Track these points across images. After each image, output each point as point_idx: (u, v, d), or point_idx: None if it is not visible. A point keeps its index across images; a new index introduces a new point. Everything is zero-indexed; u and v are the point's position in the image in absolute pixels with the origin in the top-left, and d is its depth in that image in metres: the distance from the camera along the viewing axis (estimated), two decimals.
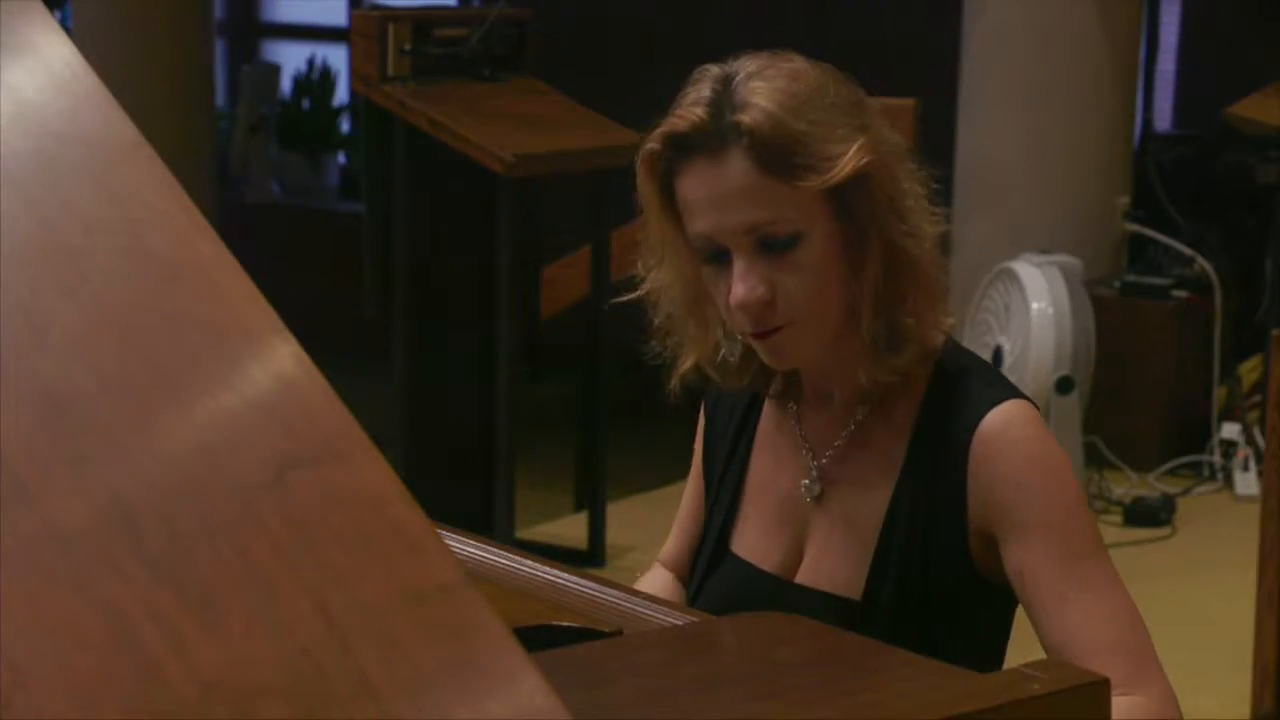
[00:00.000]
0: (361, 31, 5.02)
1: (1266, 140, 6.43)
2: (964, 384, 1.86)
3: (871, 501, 1.88)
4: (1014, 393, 1.85)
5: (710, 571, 1.98)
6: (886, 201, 1.82)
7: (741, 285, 1.80)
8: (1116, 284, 6.28)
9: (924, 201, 1.86)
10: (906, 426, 1.87)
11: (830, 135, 1.79)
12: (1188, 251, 6.35)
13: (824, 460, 1.92)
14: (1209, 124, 6.99)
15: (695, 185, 1.81)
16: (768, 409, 1.99)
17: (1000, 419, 1.82)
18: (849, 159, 1.78)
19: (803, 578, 1.92)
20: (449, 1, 8.80)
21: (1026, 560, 1.78)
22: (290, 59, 9.78)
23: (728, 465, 2.00)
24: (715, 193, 1.80)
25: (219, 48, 9.05)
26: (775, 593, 1.91)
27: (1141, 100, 7.16)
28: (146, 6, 7.47)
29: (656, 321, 1.93)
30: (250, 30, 10.39)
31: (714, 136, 1.79)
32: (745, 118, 1.78)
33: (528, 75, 5.29)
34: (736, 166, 1.79)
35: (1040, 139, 6.17)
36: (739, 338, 1.91)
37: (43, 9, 1.17)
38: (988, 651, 1.90)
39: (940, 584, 1.85)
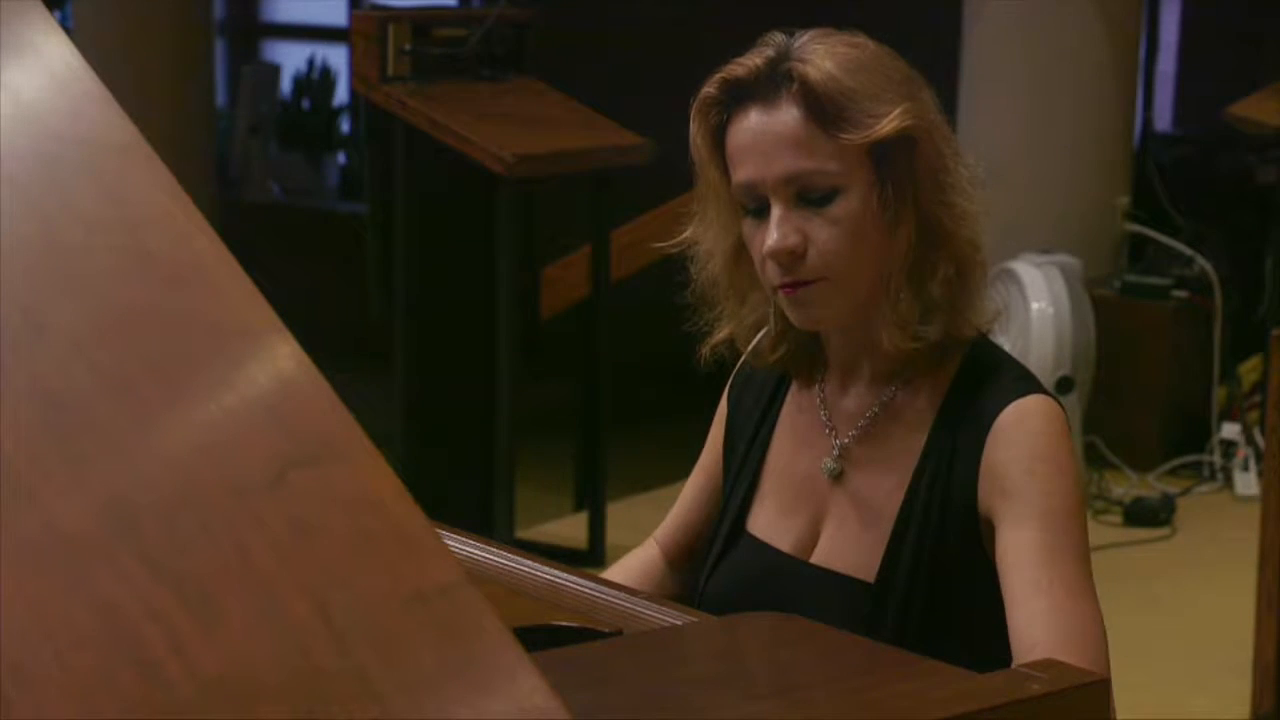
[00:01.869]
0: (361, 32, 5.02)
1: (1266, 140, 6.43)
2: (993, 376, 1.88)
3: (890, 484, 1.89)
4: (1040, 389, 1.87)
5: (726, 552, 2.00)
6: (927, 171, 1.87)
7: (776, 232, 1.85)
8: (1116, 284, 6.28)
9: (964, 183, 1.92)
10: (931, 411, 1.89)
11: (879, 96, 1.85)
12: (1188, 251, 6.35)
13: (846, 440, 1.94)
14: (1209, 124, 6.99)
15: (744, 132, 1.87)
16: (792, 393, 2.01)
17: (1023, 409, 1.84)
18: (893, 118, 1.83)
19: (818, 558, 1.93)
20: (449, 1, 8.80)
21: (1013, 544, 1.79)
22: (290, 59, 9.78)
23: (749, 448, 2.02)
24: (762, 139, 1.86)
25: (219, 48, 9.05)
26: (790, 573, 1.92)
27: (1141, 100, 7.16)
28: (146, 6, 7.47)
29: (696, 281, 1.97)
30: (250, 30, 10.39)
31: (768, 83, 1.85)
32: (799, 66, 1.85)
33: (528, 75, 5.29)
34: (786, 114, 1.85)
35: (1040, 139, 6.17)
36: (773, 316, 1.94)
37: (43, 9, 1.17)
38: (1000, 638, 1.90)
39: (952, 569, 1.85)
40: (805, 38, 1.89)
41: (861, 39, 1.90)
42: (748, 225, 1.89)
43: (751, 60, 1.87)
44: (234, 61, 10.03)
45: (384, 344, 5.14)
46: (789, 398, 2.02)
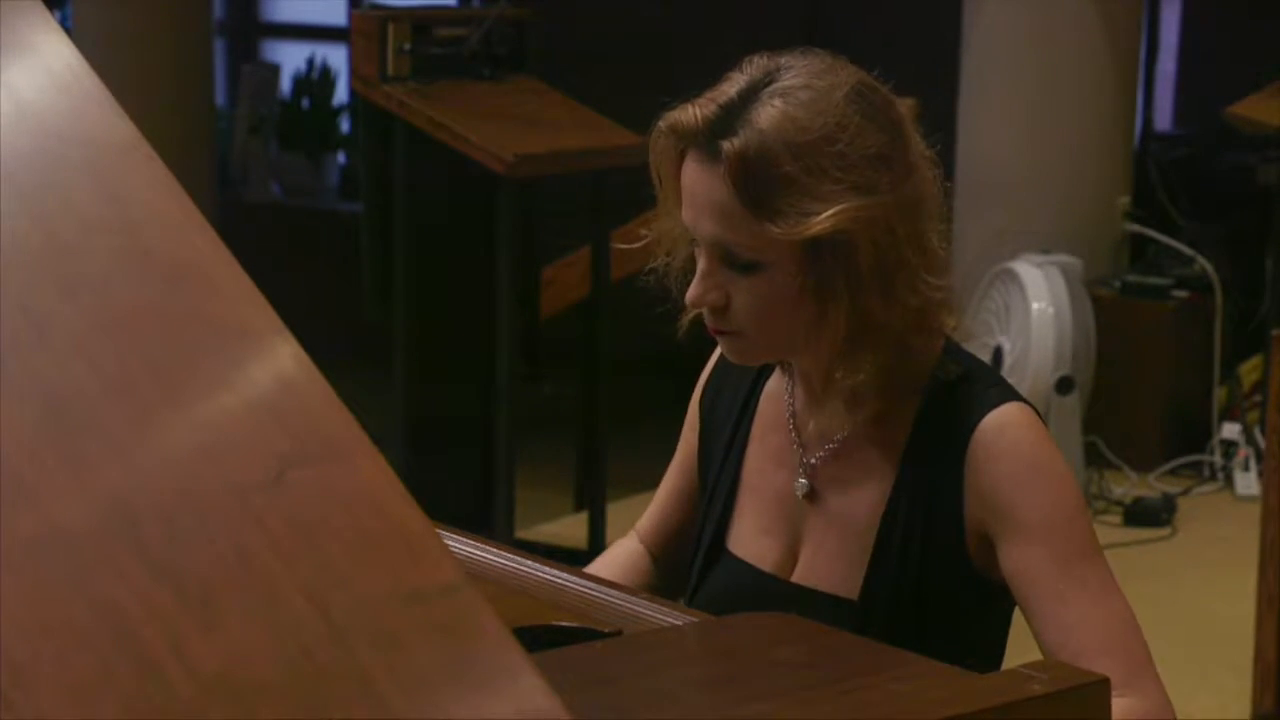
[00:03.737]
0: (361, 31, 5.02)
1: (1266, 140, 6.43)
2: (963, 386, 1.86)
3: (867, 501, 1.88)
4: (1013, 395, 1.85)
5: (707, 570, 1.99)
6: (868, 269, 1.77)
7: (696, 287, 1.83)
8: (1116, 284, 6.28)
9: (918, 271, 1.80)
10: (904, 426, 1.87)
11: (815, 189, 1.75)
12: (1188, 251, 6.35)
13: (814, 460, 1.92)
14: (1209, 124, 6.99)
15: (687, 177, 1.82)
16: (765, 402, 2.00)
17: (999, 420, 1.82)
18: (821, 221, 1.74)
19: (799, 577, 1.92)
20: (449, 1, 8.80)
21: (1024, 561, 1.79)
22: (290, 59, 9.77)
23: (724, 463, 2.01)
24: (696, 195, 1.81)
25: (219, 48, 9.04)
26: (772, 592, 1.91)
27: (1141, 100, 7.15)
28: (146, 6, 7.47)
29: (663, 269, 1.93)
30: (250, 30, 10.39)
31: (708, 141, 1.79)
32: (737, 143, 1.76)
33: (528, 75, 5.29)
34: (718, 181, 1.78)
35: (1040, 139, 6.17)
36: None
37: (43, 9, 1.17)
38: (986, 651, 1.90)
39: (937, 584, 1.85)
40: (771, 87, 1.78)
41: (836, 97, 1.77)
42: (695, 249, 1.86)
43: (702, 111, 1.79)
44: (234, 61, 10.02)
45: (383, 344, 5.14)
46: (761, 407, 2.00)
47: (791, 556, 1.93)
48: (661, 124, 1.83)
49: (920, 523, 1.84)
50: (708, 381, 2.06)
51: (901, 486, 1.86)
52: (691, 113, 1.80)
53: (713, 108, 1.79)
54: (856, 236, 1.75)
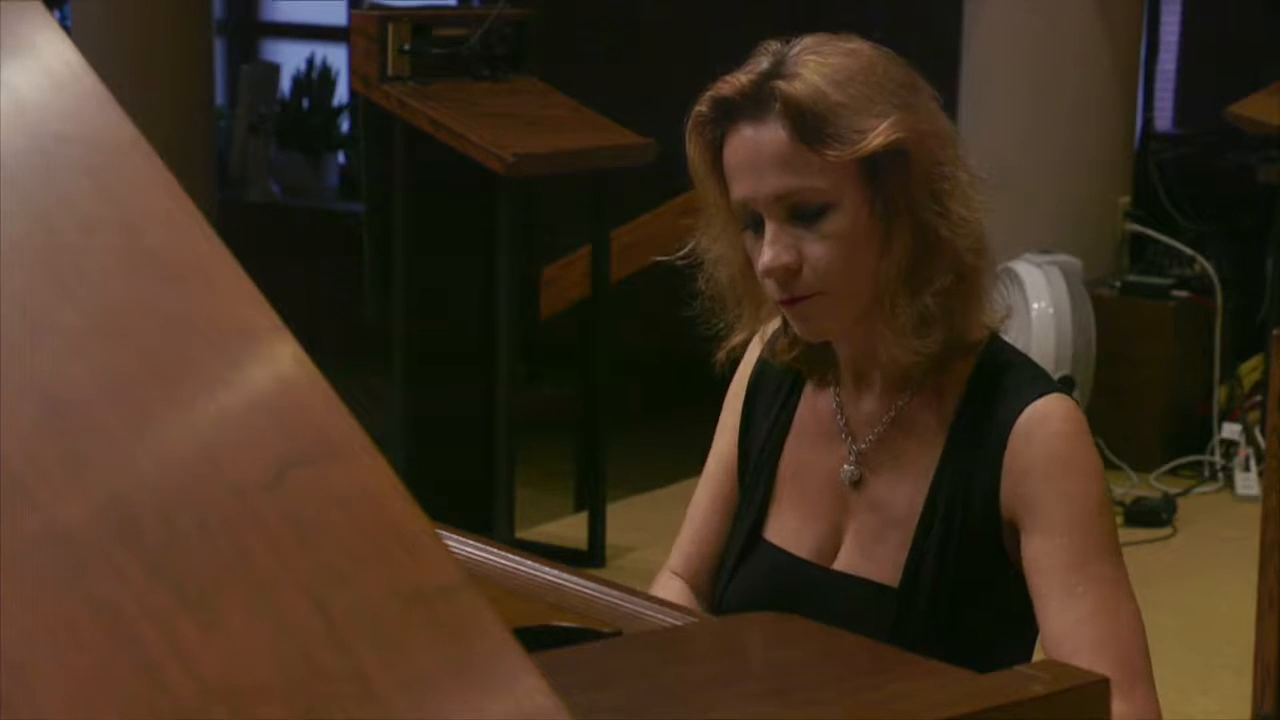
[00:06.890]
0: (361, 31, 5.02)
1: (1267, 140, 6.43)
2: (1008, 377, 1.88)
3: (910, 488, 1.89)
4: (1056, 388, 1.87)
5: (743, 559, 1.99)
6: (921, 181, 1.84)
7: (769, 251, 1.84)
8: (1117, 284, 6.28)
9: (966, 189, 1.89)
10: (948, 415, 1.89)
11: (867, 109, 1.82)
12: (1188, 251, 6.35)
13: (863, 445, 1.93)
14: (1209, 123, 6.98)
15: (736, 150, 1.86)
16: (807, 395, 2.01)
17: (1040, 411, 1.84)
18: (879, 132, 1.81)
19: (841, 564, 1.93)
20: (449, 1, 8.80)
21: (1042, 551, 1.80)
22: (290, 59, 9.78)
23: (762, 452, 2.01)
24: (752, 158, 1.84)
25: (219, 47, 9.04)
26: (812, 580, 1.92)
27: (1142, 100, 7.15)
28: (146, 6, 7.47)
29: (708, 291, 1.96)
30: (250, 30, 10.39)
31: (755, 102, 1.84)
32: (784, 85, 1.82)
33: (528, 75, 5.29)
34: (773, 133, 1.83)
35: (1040, 139, 6.17)
36: (784, 319, 1.93)
37: (42, 8, 1.17)
38: (1023, 637, 1.91)
39: (976, 571, 1.86)
40: (799, 48, 1.86)
41: (858, 44, 1.88)
42: (748, 239, 1.89)
43: (739, 78, 1.86)
44: (234, 61, 10.03)
45: (383, 344, 5.13)
46: (802, 402, 2.01)
47: (833, 544, 1.94)
48: (701, 107, 1.88)
49: (960, 510, 1.86)
50: (750, 376, 2.06)
51: (943, 474, 1.87)
52: (732, 83, 1.86)
53: (752, 75, 1.86)
54: (909, 145, 1.82)
